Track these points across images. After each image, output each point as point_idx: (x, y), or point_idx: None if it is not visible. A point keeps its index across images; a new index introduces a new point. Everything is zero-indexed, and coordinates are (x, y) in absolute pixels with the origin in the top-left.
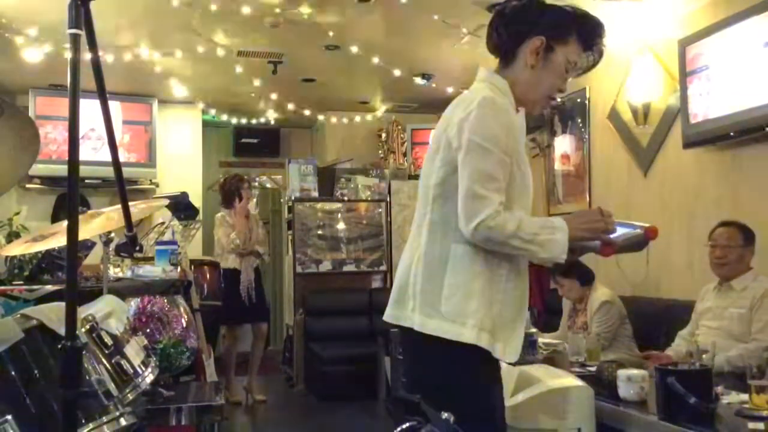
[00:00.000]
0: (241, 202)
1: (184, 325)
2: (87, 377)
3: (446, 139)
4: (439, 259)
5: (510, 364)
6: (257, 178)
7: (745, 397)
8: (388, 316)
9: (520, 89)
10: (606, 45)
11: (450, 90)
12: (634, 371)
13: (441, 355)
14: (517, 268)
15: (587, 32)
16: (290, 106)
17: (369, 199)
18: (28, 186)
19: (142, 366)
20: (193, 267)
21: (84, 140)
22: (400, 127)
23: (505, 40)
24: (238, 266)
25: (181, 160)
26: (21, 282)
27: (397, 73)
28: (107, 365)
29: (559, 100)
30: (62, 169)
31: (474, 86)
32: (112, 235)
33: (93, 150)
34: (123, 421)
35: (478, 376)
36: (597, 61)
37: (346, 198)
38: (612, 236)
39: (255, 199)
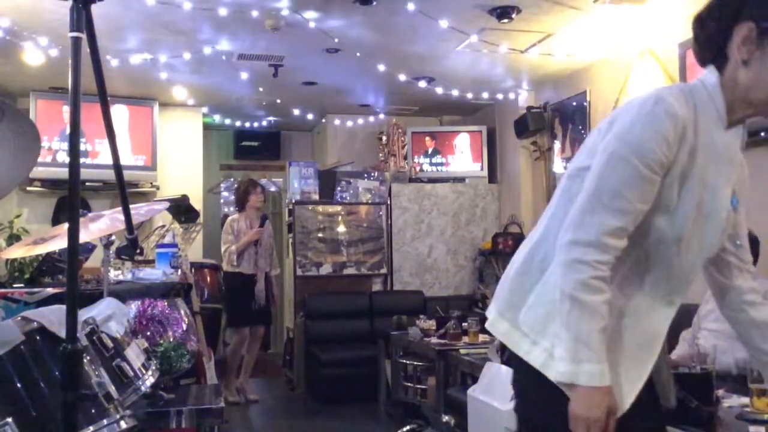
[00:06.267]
0: (250, 201)
1: (185, 327)
2: (87, 380)
3: (599, 128)
4: (542, 260)
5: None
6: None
7: (746, 400)
8: None
9: (737, 93)
10: None
11: (451, 93)
12: None
13: (516, 364)
14: (646, 305)
15: None
16: (291, 109)
17: (369, 202)
18: (28, 189)
19: (142, 369)
20: (193, 270)
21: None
22: (400, 130)
23: (705, 41)
24: (245, 271)
25: (182, 163)
26: (21, 285)
27: (398, 76)
28: (107, 368)
29: None
30: (63, 172)
31: None
32: (113, 237)
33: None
34: (123, 424)
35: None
36: None
37: (346, 201)
38: None
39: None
